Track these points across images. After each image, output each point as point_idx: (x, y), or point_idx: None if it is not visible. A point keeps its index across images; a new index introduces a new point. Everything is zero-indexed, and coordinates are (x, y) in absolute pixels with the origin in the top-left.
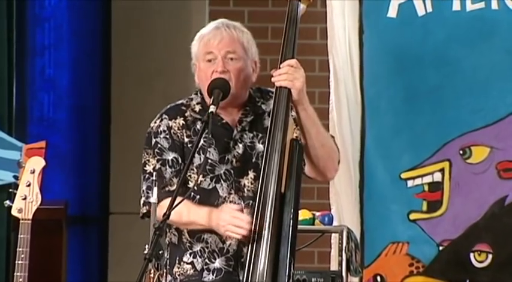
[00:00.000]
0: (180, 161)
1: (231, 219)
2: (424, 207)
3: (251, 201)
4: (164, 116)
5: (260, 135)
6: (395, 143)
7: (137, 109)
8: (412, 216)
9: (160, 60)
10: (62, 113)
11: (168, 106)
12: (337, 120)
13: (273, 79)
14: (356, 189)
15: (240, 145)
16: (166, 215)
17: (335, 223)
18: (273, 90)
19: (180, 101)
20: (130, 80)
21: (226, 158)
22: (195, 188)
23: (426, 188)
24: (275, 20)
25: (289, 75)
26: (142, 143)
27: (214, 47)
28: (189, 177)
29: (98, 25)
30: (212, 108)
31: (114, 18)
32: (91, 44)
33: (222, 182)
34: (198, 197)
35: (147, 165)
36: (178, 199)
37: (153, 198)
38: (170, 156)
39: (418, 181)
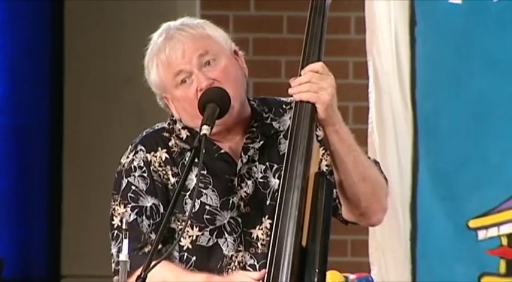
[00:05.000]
0: (161, 210)
1: None
2: (502, 269)
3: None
4: (139, 147)
5: (275, 166)
6: (461, 179)
7: (100, 131)
8: (485, 280)
9: (131, 63)
10: None
11: (144, 133)
12: (379, 146)
13: (290, 90)
14: (406, 242)
15: (249, 182)
16: (141, 279)
17: None
18: (287, 100)
19: (159, 125)
20: (90, 90)
21: (231, 201)
22: (189, 246)
23: (504, 241)
24: (292, 7)
25: (313, 84)
26: (106, 179)
27: (181, 62)
28: (180, 232)
29: (46, 14)
30: (205, 130)
31: (69, 5)
32: (36, 41)
33: (227, 235)
34: (194, 258)
35: (115, 218)
36: (159, 259)
37: (123, 255)
38: (149, 202)
39: (493, 232)
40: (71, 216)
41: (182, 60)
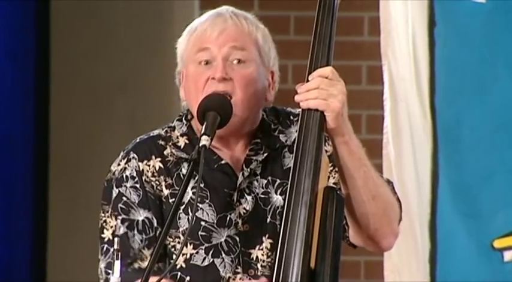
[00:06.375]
0: (155, 224)
1: None
2: None
3: None
4: (132, 155)
5: (278, 181)
6: (485, 194)
7: (89, 141)
8: None
9: (125, 68)
10: None
11: (138, 139)
12: (395, 159)
13: (297, 97)
14: (425, 263)
15: (248, 198)
16: None
17: None
18: (295, 111)
19: (155, 132)
20: (78, 97)
21: (228, 218)
22: (183, 265)
23: None
24: (299, 7)
25: (322, 91)
26: (95, 194)
27: (213, 41)
28: (172, 249)
29: (31, 14)
30: (205, 141)
31: (55, 4)
32: (19, 43)
33: (224, 254)
34: (188, 278)
35: (105, 230)
36: (153, 280)
37: (115, 278)
38: (141, 215)
39: None
40: (57, 233)
41: (216, 39)
